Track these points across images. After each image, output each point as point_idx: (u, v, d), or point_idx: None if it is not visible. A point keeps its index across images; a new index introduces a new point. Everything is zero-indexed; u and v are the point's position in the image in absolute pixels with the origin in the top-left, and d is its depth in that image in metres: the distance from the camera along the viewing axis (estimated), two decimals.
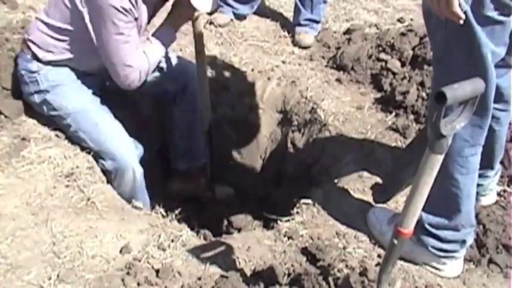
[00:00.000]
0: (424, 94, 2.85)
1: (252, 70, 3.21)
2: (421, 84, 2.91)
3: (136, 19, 2.16)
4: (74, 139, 2.32)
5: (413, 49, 3.16)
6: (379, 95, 3.09)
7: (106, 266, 1.83)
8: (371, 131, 2.78)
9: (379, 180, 2.47)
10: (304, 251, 2.06)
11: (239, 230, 2.76)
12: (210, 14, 3.64)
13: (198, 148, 2.78)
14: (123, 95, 2.46)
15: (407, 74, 3.03)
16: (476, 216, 2.13)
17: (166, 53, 2.46)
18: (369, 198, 2.37)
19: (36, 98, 2.28)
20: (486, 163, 2.05)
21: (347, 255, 2.02)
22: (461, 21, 1.52)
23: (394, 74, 3.09)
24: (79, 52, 2.24)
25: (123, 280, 1.75)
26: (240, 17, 3.67)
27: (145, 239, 1.98)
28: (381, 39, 3.30)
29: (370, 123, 2.85)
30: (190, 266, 1.91)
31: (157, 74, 2.49)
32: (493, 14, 1.58)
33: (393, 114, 2.90)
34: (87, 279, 1.75)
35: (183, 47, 3.25)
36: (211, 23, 3.55)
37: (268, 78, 3.18)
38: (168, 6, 2.39)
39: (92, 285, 1.73)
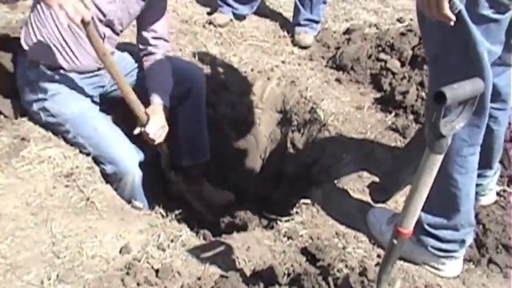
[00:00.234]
0: (423, 94, 2.85)
1: (252, 70, 3.21)
2: (421, 84, 2.91)
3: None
4: (73, 145, 2.30)
5: (412, 49, 3.16)
6: (378, 95, 3.09)
7: (106, 266, 1.82)
8: (371, 131, 2.78)
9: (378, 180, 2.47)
10: (304, 251, 2.05)
11: (239, 230, 2.75)
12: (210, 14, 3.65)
13: (202, 146, 2.77)
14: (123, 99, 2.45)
15: (406, 74, 3.03)
16: (476, 216, 2.13)
17: (170, 56, 2.44)
18: (368, 198, 2.37)
19: (35, 106, 2.27)
20: (485, 163, 2.05)
21: (347, 255, 2.02)
22: (452, 23, 1.52)
23: (393, 74, 3.10)
24: (73, 44, 2.21)
25: (122, 280, 1.74)
26: (240, 17, 3.67)
27: (145, 239, 1.98)
28: (381, 39, 3.30)
29: (369, 123, 2.85)
30: (190, 266, 1.90)
31: None
32: (488, 12, 1.58)
33: (393, 114, 2.90)
34: (87, 279, 1.75)
35: (182, 47, 3.25)
36: (210, 23, 3.54)
37: (268, 78, 3.18)
38: None
39: (91, 285, 1.72)
